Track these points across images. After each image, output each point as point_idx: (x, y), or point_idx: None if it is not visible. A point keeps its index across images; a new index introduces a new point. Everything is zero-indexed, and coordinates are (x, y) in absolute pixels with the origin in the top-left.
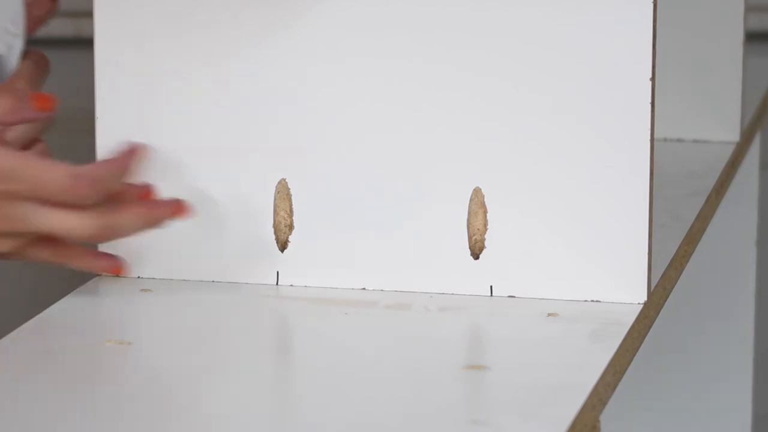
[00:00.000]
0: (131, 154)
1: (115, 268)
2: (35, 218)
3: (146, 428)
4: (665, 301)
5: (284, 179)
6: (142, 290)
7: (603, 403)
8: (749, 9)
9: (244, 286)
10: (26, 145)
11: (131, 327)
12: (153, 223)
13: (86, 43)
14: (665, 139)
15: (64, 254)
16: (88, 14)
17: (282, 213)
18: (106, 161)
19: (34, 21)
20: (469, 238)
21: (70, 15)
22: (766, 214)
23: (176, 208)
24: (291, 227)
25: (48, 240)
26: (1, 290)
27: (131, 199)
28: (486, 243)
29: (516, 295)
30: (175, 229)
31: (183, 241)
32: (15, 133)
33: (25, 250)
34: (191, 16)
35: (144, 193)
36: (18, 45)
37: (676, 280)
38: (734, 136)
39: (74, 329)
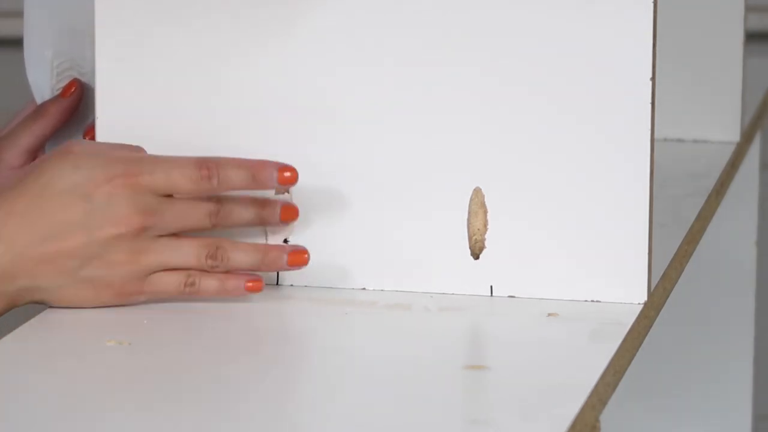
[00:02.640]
0: (265, 164)
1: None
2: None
3: (146, 428)
4: (665, 301)
5: None
6: None
7: (603, 403)
8: (749, 9)
9: None
10: (33, 152)
11: (131, 327)
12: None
13: None
14: (665, 139)
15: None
16: None
17: None
18: (233, 158)
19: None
20: (469, 238)
21: None
22: (766, 214)
23: (285, 211)
24: (291, 227)
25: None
26: None
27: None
28: (486, 243)
29: (516, 295)
30: None
31: None
32: (26, 140)
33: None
34: (191, 16)
35: (285, 210)
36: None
37: (676, 280)
38: (734, 136)
39: (74, 329)
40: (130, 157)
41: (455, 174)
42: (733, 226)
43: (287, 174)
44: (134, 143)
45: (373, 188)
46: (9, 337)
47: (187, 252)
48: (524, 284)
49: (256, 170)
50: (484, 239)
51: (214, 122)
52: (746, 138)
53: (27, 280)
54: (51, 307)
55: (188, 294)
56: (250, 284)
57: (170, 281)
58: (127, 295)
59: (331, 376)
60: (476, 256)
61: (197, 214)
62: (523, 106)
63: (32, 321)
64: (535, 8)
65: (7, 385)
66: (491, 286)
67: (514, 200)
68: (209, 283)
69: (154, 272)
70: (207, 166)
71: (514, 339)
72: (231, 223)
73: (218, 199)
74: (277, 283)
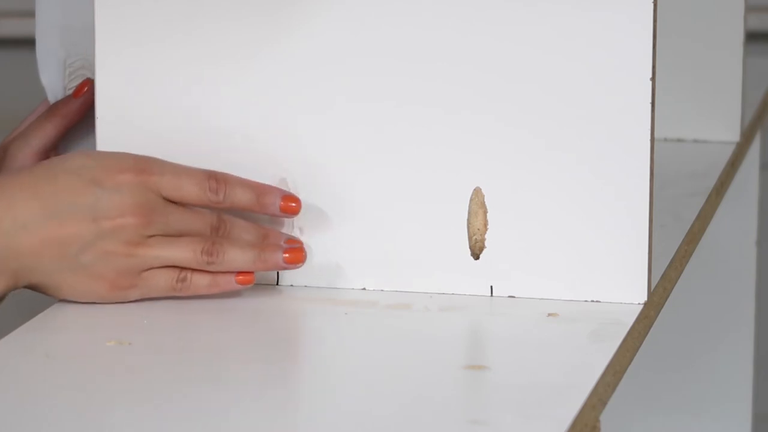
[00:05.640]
0: (271, 189)
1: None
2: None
3: (146, 428)
4: (665, 301)
5: (285, 179)
6: None
7: (603, 403)
8: (749, 9)
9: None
10: (45, 153)
11: (131, 327)
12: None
13: None
14: (665, 139)
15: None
16: None
17: None
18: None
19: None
20: (469, 238)
21: None
22: (766, 214)
23: (291, 254)
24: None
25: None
26: None
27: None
28: (486, 243)
29: (516, 295)
30: None
31: None
32: (38, 141)
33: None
34: (191, 16)
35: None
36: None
37: (676, 280)
38: (734, 136)
39: (74, 329)
40: (142, 156)
41: (455, 174)
42: (733, 226)
43: (292, 204)
44: (134, 143)
45: (373, 188)
46: (9, 337)
47: (184, 249)
48: (524, 284)
49: (261, 193)
50: (484, 239)
51: (215, 122)
52: (746, 138)
53: (31, 260)
54: (47, 294)
55: (180, 291)
56: (240, 277)
57: (163, 277)
58: (120, 289)
59: (331, 376)
60: (476, 256)
61: (199, 223)
62: (523, 106)
63: (32, 321)
64: (535, 8)
65: (7, 385)
66: (491, 286)
67: (514, 200)
68: (200, 278)
69: (150, 268)
70: (216, 179)
71: (514, 339)
72: (229, 242)
73: (220, 215)
74: (277, 283)
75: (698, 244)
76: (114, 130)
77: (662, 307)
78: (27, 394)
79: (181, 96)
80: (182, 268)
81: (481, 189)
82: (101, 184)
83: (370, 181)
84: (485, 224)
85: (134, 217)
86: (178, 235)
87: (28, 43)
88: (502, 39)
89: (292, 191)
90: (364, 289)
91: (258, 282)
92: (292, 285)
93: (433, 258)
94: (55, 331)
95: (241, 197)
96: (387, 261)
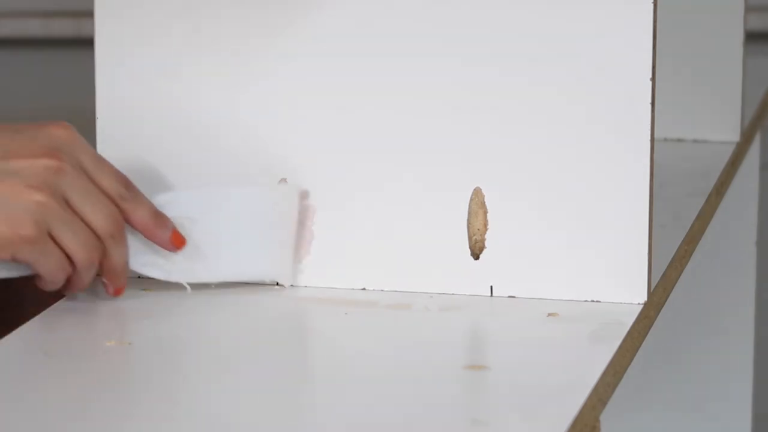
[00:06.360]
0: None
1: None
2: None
3: (146, 428)
4: (665, 301)
5: (285, 179)
6: (142, 290)
7: (603, 403)
8: (749, 9)
9: (244, 286)
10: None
11: (131, 327)
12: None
13: (86, 43)
14: (665, 139)
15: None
16: (89, 14)
17: None
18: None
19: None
20: (469, 238)
21: (70, 15)
22: (766, 214)
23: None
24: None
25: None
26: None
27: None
28: (486, 243)
29: (516, 295)
30: None
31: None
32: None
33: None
34: (191, 16)
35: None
36: None
37: (676, 280)
38: (734, 136)
39: (74, 329)
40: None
41: (455, 174)
42: (733, 226)
43: (178, 243)
44: (134, 144)
45: (373, 188)
46: (9, 337)
47: (84, 240)
48: (524, 284)
49: (159, 218)
50: (484, 239)
51: (215, 122)
52: (746, 138)
53: None
54: None
55: (55, 286)
56: (113, 291)
57: (55, 260)
58: (9, 241)
59: (331, 376)
60: (476, 256)
61: (104, 204)
62: (523, 106)
63: (32, 321)
64: (535, 8)
65: (7, 385)
66: (491, 286)
67: (514, 200)
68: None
69: (53, 236)
70: (129, 184)
71: (514, 339)
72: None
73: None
74: (277, 284)
75: (698, 244)
76: (113, 129)
77: (662, 307)
78: (27, 394)
79: (182, 96)
80: (73, 265)
81: (481, 189)
82: (22, 131)
83: (370, 181)
84: (485, 224)
85: (47, 158)
86: (83, 200)
87: (28, 43)
88: (502, 39)
89: (292, 191)
90: (364, 289)
91: (258, 282)
92: (292, 285)
93: (433, 258)
94: (55, 331)
95: (144, 212)
96: (387, 261)
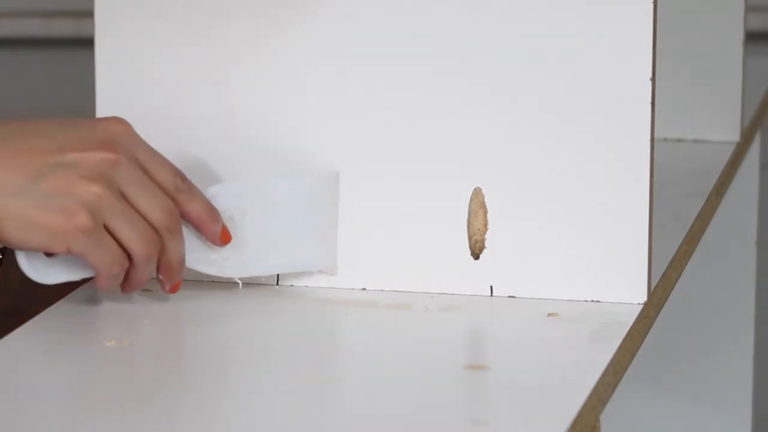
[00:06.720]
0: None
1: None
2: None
3: (147, 428)
4: (665, 301)
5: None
6: (142, 290)
7: (603, 403)
8: (749, 9)
9: (244, 287)
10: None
11: (131, 327)
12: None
13: (86, 43)
14: (665, 139)
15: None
16: (89, 14)
17: None
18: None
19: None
20: (469, 238)
21: (70, 15)
22: (766, 214)
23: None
24: None
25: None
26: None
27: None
28: (486, 243)
29: (516, 295)
30: None
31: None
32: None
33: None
34: (191, 15)
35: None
36: None
37: (676, 280)
38: (734, 136)
39: (74, 329)
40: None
41: (455, 174)
42: (733, 226)
43: (225, 238)
44: None
45: (373, 188)
46: (9, 337)
47: (140, 236)
48: (524, 284)
49: (213, 214)
50: (484, 239)
51: (215, 122)
52: (746, 138)
53: None
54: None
55: (112, 281)
56: (170, 288)
57: (111, 254)
58: (66, 233)
59: (331, 376)
60: (476, 256)
61: (159, 199)
62: (524, 107)
63: (32, 321)
64: (536, 8)
65: (7, 385)
66: (491, 286)
67: (514, 200)
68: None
69: (108, 228)
70: (184, 177)
71: (514, 339)
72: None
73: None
74: (278, 283)
75: (698, 244)
76: None
77: (662, 307)
78: (27, 393)
79: (181, 96)
80: (130, 260)
81: (481, 189)
82: (76, 124)
83: (370, 181)
84: (485, 224)
85: (103, 151)
86: (139, 194)
87: (28, 43)
88: (502, 39)
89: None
90: (364, 289)
91: (258, 282)
92: (292, 285)
93: (433, 258)
94: (55, 331)
95: (199, 205)
96: (387, 261)
